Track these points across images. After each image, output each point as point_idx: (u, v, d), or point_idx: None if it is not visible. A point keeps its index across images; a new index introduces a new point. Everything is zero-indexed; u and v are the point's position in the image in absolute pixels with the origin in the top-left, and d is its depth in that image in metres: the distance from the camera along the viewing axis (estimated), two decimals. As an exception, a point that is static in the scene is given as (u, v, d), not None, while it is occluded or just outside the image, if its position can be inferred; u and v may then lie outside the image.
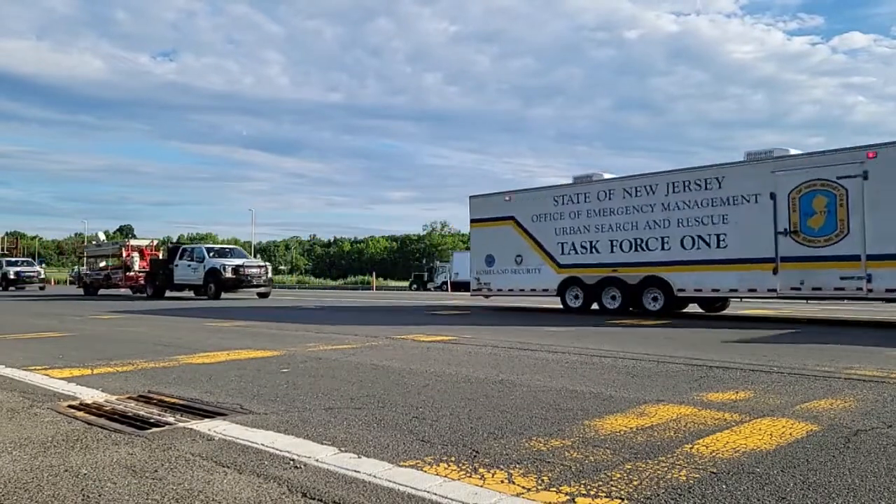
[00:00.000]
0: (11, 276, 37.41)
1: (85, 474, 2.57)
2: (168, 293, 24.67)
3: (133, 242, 30.50)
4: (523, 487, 2.38)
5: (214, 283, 22.51)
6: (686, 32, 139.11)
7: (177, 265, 24.08)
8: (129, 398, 4.16)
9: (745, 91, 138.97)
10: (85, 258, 34.97)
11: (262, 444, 2.98)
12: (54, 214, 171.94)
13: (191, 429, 3.30)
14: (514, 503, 2.25)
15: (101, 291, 29.30)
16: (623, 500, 2.26)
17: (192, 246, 26.07)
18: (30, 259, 49.54)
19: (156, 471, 2.61)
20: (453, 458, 2.76)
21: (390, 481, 2.45)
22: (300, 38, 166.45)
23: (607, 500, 2.26)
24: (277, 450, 2.89)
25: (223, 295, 22.65)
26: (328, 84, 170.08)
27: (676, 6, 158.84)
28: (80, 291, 30.49)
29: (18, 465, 2.69)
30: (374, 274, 51.00)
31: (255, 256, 43.35)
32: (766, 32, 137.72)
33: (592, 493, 2.32)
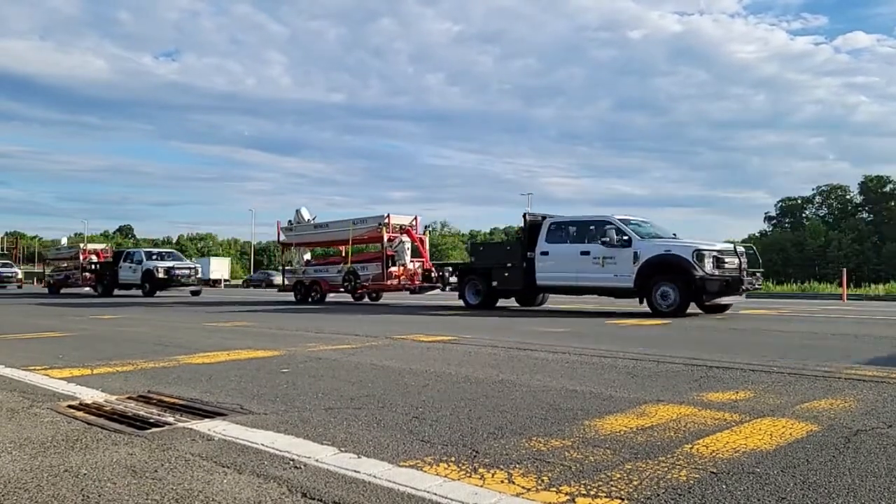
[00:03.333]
0: None
1: (85, 474, 2.57)
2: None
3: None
4: (523, 487, 2.38)
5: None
6: (689, 32, 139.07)
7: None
8: (128, 398, 4.16)
9: (746, 91, 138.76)
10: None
11: (262, 444, 2.98)
12: (55, 214, 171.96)
13: (191, 429, 3.30)
14: (514, 503, 2.25)
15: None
16: (623, 500, 2.26)
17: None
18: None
19: (155, 471, 2.61)
20: (453, 458, 2.76)
21: (390, 481, 2.45)
22: (303, 38, 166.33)
23: (607, 500, 2.26)
24: (277, 450, 2.89)
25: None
26: (330, 84, 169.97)
27: (680, 6, 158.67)
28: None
29: (18, 465, 2.69)
30: (374, 274, 50.98)
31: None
32: (770, 32, 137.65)
33: (592, 493, 2.32)
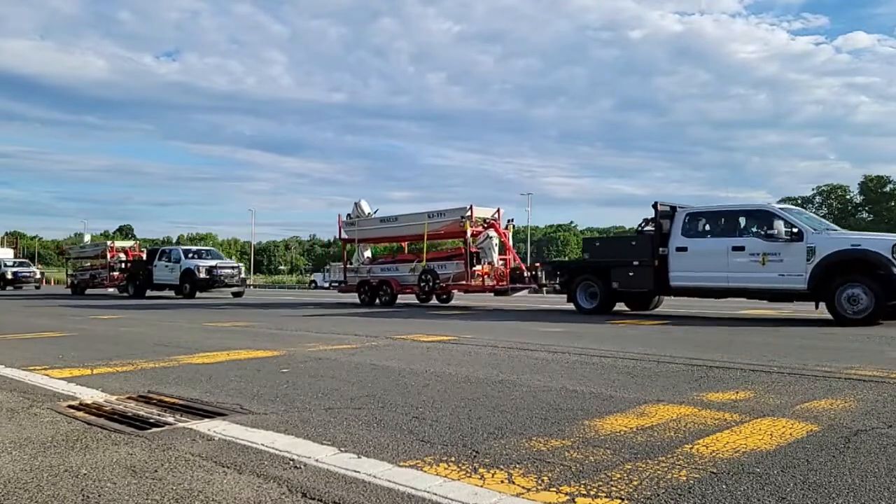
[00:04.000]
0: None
1: (85, 474, 2.57)
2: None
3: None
4: (523, 487, 2.38)
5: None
6: (690, 32, 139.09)
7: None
8: (128, 398, 4.16)
9: (747, 91, 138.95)
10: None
11: (262, 445, 2.98)
12: (55, 214, 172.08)
13: (191, 429, 3.30)
14: (514, 503, 2.25)
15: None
16: (623, 500, 2.26)
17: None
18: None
19: (156, 471, 2.61)
20: (453, 459, 2.76)
21: (390, 481, 2.45)
22: (304, 38, 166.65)
23: (607, 500, 2.26)
24: (277, 450, 2.89)
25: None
26: (331, 84, 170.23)
27: (681, 6, 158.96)
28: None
29: (18, 465, 2.69)
30: (374, 274, 50.89)
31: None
32: (770, 32, 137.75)
33: (592, 493, 2.32)
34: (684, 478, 2.49)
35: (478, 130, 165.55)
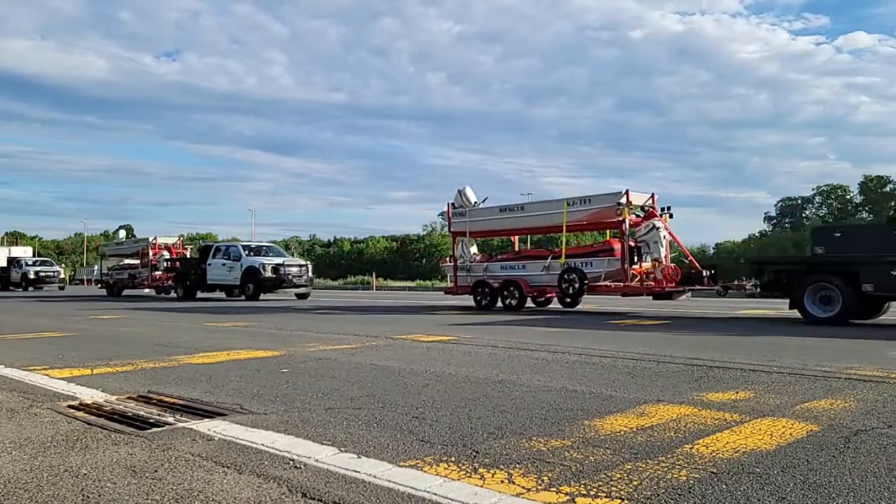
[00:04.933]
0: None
1: (85, 474, 2.57)
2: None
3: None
4: (523, 487, 2.38)
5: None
6: (690, 32, 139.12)
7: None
8: (128, 398, 4.16)
9: (748, 91, 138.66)
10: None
11: (262, 445, 2.98)
12: (55, 214, 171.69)
13: (191, 429, 3.30)
14: (514, 503, 2.25)
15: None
16: (623, 500, 2.26)
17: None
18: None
19: (156, 471, 2.61)
20: (453, 459, 2.76)
21: (390, 481, 2.45)
22: (304, 38, 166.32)
23: (607, 500, 2.26)
24: (277, 450, 2.89)
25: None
26: (331, 84, 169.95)
27: (682, 6, 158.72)
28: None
29: (18, 465, 2.69)
30: (374, 274, 50.97)
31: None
32: (771, 32, 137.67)
33: (592, 493, 2.32)
34: (684, 478, 2.49)
35: (478, 130, 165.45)
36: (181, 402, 4.03)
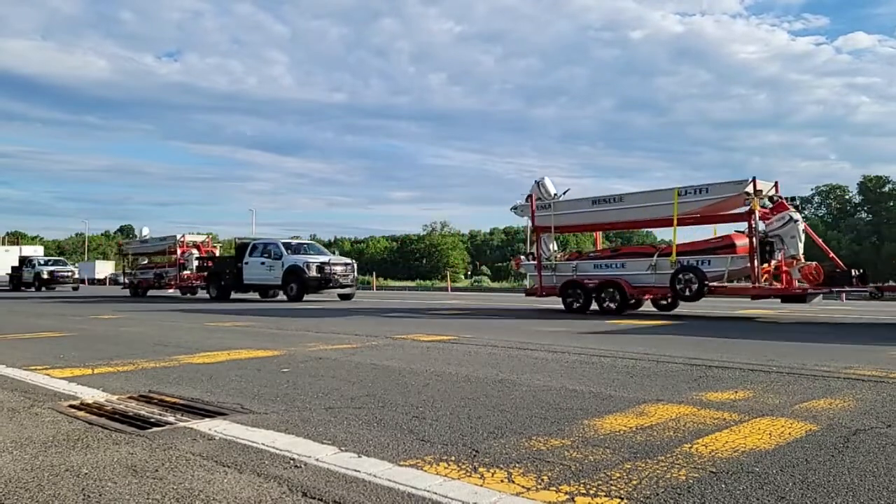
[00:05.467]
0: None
1: (86, 474, 2.58)
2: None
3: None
4: (523, 487, 2.39)
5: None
6: (691, 32, 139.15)
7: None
8: (129, 398, 4.17)
9: (748, 91, 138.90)
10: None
11: (263, 444, 2.99)
12: (55, 214, 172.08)
13: (191, 428, 3.31)
14: (514, 502, 2.26)
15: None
16: (622, 499, 2.27)
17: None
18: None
19: (156, 470, 2.62)
20: (453, 458, 2.77)
21: (390, 481, 2.46)
22: (305, 38, 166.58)
23: (607, 499, 2.27)
24: (278, 449, 2.90)
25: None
26: (332, 84, 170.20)
27: (682, 6, 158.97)
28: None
29: (19, 465, 2.70)
30: (374, 274, 51.00)
31: None
32: (771, 32, 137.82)
33: (592, 492, 2.33)
34: (683, 477, 2.50)
35: (478, 130, 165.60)
36: (182, 401, 4.03)
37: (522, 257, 15.94)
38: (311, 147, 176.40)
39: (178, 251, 25.16)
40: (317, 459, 2.74)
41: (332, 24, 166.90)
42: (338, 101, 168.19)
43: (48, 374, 5.15)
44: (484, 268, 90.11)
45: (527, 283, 16.41)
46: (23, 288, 35.46)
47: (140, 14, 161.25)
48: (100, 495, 2.33)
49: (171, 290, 25.95)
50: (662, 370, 5.28)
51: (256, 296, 22.26)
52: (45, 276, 34.65)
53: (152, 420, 3.51)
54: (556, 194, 14.72)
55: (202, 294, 24.09)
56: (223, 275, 22.08)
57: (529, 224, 15.03)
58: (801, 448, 2.90)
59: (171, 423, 3.43)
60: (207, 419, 3.52)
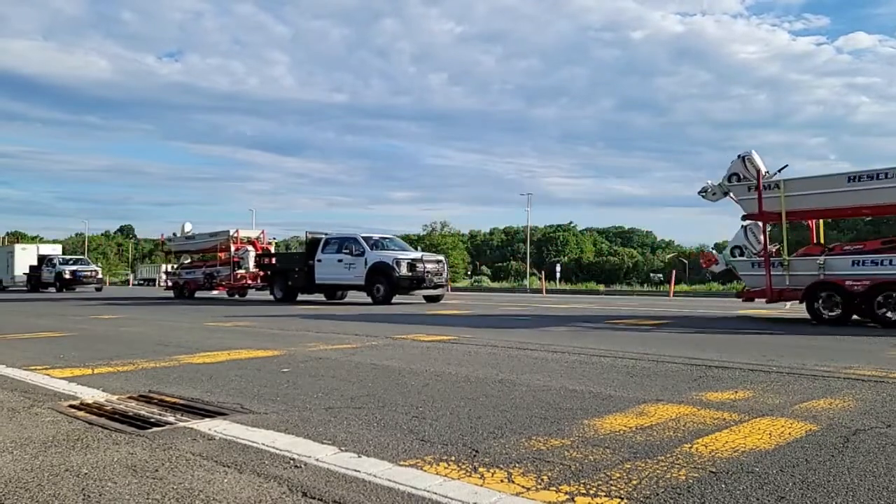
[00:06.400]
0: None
1: (86, 474, 2.58)
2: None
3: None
4: (523, 487, 2.39)
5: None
6: (691, 32, 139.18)
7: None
8: (129, 398, 4.17)
9: (748, 91, 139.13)
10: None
11: (263, 444, 2.99)
12: (55, 214, 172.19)
13: (191, 428, 3.31)
14: (514, 502, 2.26)
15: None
16: (622, 499, 2.27)
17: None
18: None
19: (156, 470, 2.62)
20: (453, 458, 2.77)
21: (390, 481, 2.46)
22: (306, 38, 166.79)
23: (607, 499, 2.27)
24: (278, 449, 2.90)
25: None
26: (333, 84, 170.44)
27: (683, 6, 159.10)
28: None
29: (19, 465, 2.70)
30: (374, 274, 50.90)
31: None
32: (771, 33, 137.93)
33: (592, 492, 2.33)
34: (683, 477, 2.50)
35: (478, 131, 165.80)
36: (182, 401, 4.03)
37: (715, 252, 13.28)
38: (311, 147, 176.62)
39: (233, 248, 22.35)
40: (317, 459, 2.74)
41: (334, 24, 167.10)
42: (338, 101, 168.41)
43: (48, 374, 5.15)
44: (484, 268, 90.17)
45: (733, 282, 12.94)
46: (41, 289, 33.44)
47: (141, 14, 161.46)
48: (100, 495, 2.33)
49: (216, 292, 23.58)
50: (662, 370, 5.28)
51: (322, 297, 19.87)
52: (68, 276, 32.52)
53: (152, 420, 3.51)
54: (767, 172, 11.69)
55: (255, 296, 22.55)
56: (290, 274, 19.67)
57: (749, 211, 11.74)
58: (801, 448, 2.90)
59: (171, 423, 3.43)
60: (207, 419, 3.52)
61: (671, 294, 29.86)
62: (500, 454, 2.82)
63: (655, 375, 5.01)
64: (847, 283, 10.36)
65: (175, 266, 25.94)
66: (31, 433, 3.24)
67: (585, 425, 3.35)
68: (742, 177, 11.74)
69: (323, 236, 19.52)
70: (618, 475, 2.52)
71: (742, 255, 11.95)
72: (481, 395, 4.19)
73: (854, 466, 2.63)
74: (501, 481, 2.46)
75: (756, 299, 11.94)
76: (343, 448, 2.92)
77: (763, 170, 11.65)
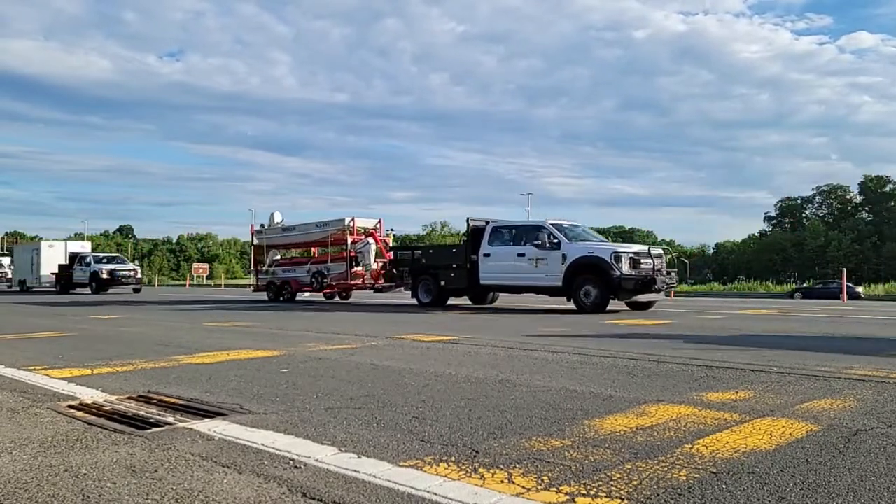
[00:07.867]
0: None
1: (85, 474, 2.57)
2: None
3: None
4: (523, 487, 2.38)
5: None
6: (693, 32, 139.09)
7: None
8: (128, 398, 4.16)
9: (750, 91, 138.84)
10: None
11: (262, 444, 2.98)
12: (55, 214, 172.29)
13: (191, 429, 3.30)
14: (514, 503, 2.25)
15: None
16: (623, 499, 2.26)
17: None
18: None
19: (156, 471, 2.61)
20: (453, 458, 2.76)
21: (390, 481, 2.45)
22: (307, 38, 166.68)
23: (607, 499, 2.26)
24: (277, 450, 2.89)
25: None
26: (334, 84, 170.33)
27: (685, 6, 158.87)
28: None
29: (18, 465, 2.69)
30: (374, 274, 50.88)
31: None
32: (774, 32, 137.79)
33: (592, 492, 2.32)
34: (684, 478, 2.49)
35: (479, 131, 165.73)
36: (181, 401, 4.03)
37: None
38: (312, 147, 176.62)
39: (349, 240, 18.39)
40: (316, 460, 2.73)
41: (335, 24, 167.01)
42: (340, 101, 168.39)
43: (47, 375, 5.14)
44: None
45: None
46: (71, 290, 30.09)
47: (143, 14, 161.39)
48: (99, 496, 2.33)
49: (307, 294, 19.89)
50: (663, 370, 5.27)
51: (468, 301, 16.54)
52: (105, 275, 28.81)
53: (151, 420, 3.50)
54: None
55: (361, 297, 19.62)
56: (442, 273, 15.62)
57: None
58: (801, 448, 2.89)
59: (170, 424, 3.42)
60: (207, 419, 3.51)
61: (671, 294, 29.79)
62: (501, 455, 2.81)
63: (656, 376, 5.00)
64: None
65: (270, 262, 21.29)
66: (30, 433, 3.24)
67: (586, 426, 3.34)
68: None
69: (486, 224, 15.17)
70: (618, 476, 2.51)
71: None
72: (481, 396, 4.18)
73: (855, 467, 2.62)
74: (502, 482, 2.45)
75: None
76: (343, 448, 2.91)
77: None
